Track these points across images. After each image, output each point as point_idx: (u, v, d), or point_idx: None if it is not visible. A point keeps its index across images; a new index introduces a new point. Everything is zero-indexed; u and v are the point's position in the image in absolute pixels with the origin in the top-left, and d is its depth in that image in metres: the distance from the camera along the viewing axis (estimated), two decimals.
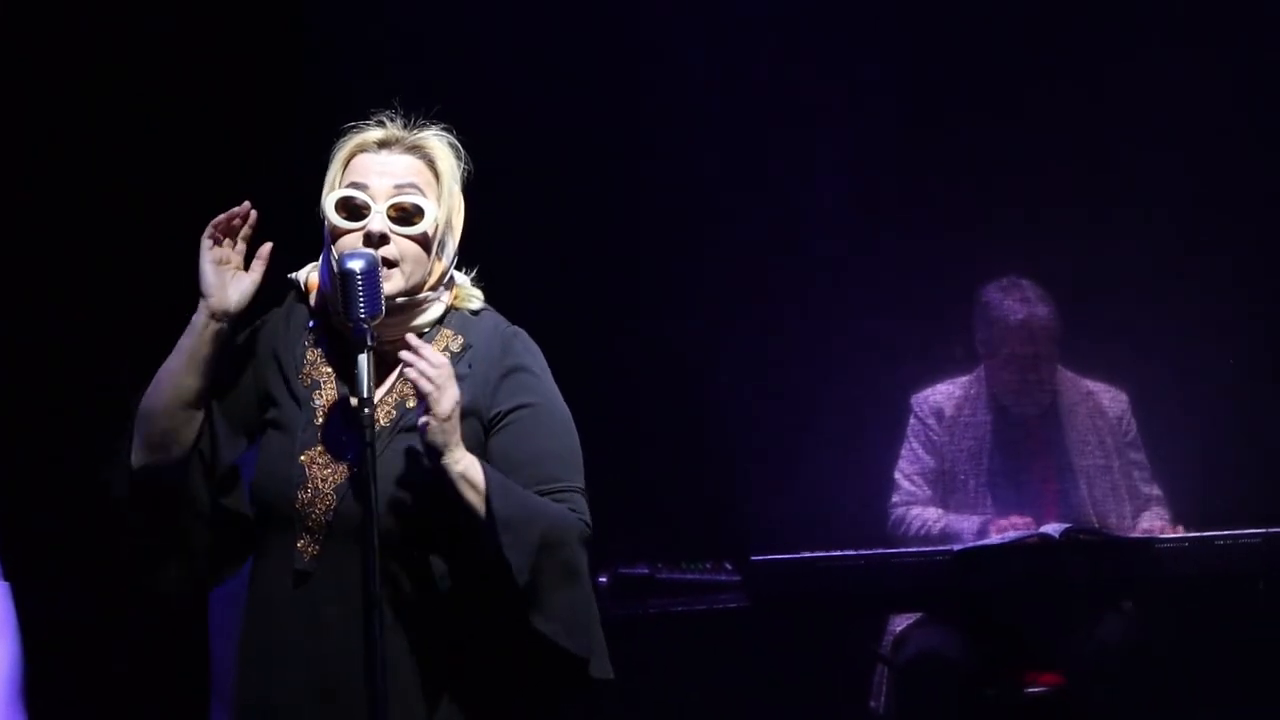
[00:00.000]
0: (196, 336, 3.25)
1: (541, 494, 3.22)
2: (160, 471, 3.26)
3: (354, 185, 3.29)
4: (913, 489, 5.92)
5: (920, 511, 5.86)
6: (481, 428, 3.27)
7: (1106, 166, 6.41)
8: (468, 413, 3.24)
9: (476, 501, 3.14)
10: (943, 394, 5.97)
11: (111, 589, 5.76)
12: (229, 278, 3.26)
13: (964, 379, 5.99)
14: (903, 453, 5.95)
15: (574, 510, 3.24)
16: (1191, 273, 6.29)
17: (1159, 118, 6.33)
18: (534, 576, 3.14)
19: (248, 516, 3.31)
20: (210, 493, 3.29)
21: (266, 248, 3.29)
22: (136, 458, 3.27)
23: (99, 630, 5.89)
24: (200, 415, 3.27)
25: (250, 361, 3.36)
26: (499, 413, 3.27)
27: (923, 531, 5.79)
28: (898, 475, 5.94)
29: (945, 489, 5.91)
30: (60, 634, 5.48)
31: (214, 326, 3.25)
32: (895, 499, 5.92)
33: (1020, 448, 5.92)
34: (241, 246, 3.28)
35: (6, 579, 4.14)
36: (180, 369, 3.25)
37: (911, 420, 5.97)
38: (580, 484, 3.28)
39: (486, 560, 3.14)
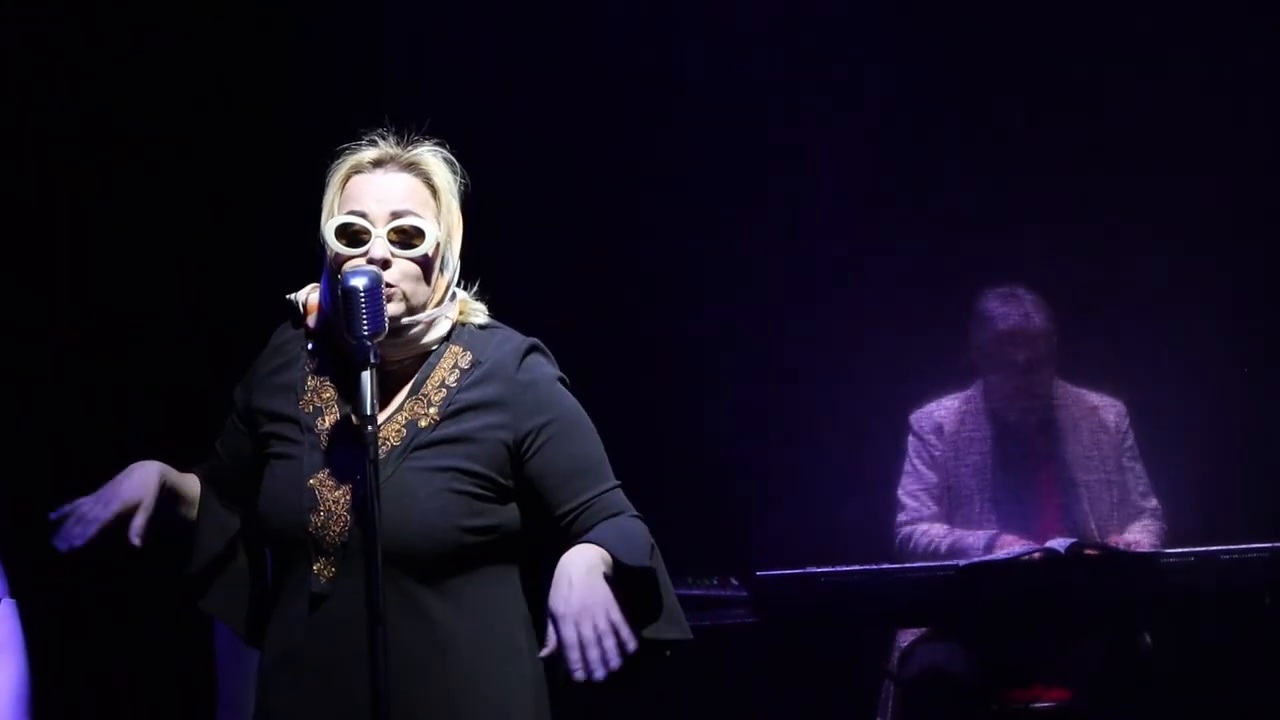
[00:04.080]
0: None
1: (593, 499, 3.26)
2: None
3: (352, 212, 3.29)
4: (918, 506, 5.91)
5: (927, 528, 5.85)
6: (508, 447, 3.28)
7: (1112, 179, 6.40)
8: (494, 429, 3.27)
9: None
10: (942, 410, 5.97)
11: (117, 604, 5.77)
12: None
13: (962, 394, 5.99)
14: (905, 471, 5.94)
15: (627, 510, 3.29)
16: (1197, 285, 6.29)
17: (1164, 129, 6.33)
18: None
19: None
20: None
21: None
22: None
23: (105, 646, 5.89)
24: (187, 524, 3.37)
25: (243, 421, 3.40)
26: (530, 431, 3.28)
27: (930, 548, 5.78)
28: (901, 494, 5.92)
29: (950, 505, 5.90)
30: (66, 650, 5.48)
31: None
32: (901, 518, 5.91)
33: (1021, 461, 5.91)
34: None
35: (11, 595, 4.14)
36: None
37: (911, 439, 5.96)
38: (616, 480, 3.32)
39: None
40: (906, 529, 5.88)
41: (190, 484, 3.37)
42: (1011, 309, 5.88)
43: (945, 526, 5.84)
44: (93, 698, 5.83)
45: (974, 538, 5.75)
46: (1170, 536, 5.77)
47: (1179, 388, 6.16)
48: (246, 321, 3.54)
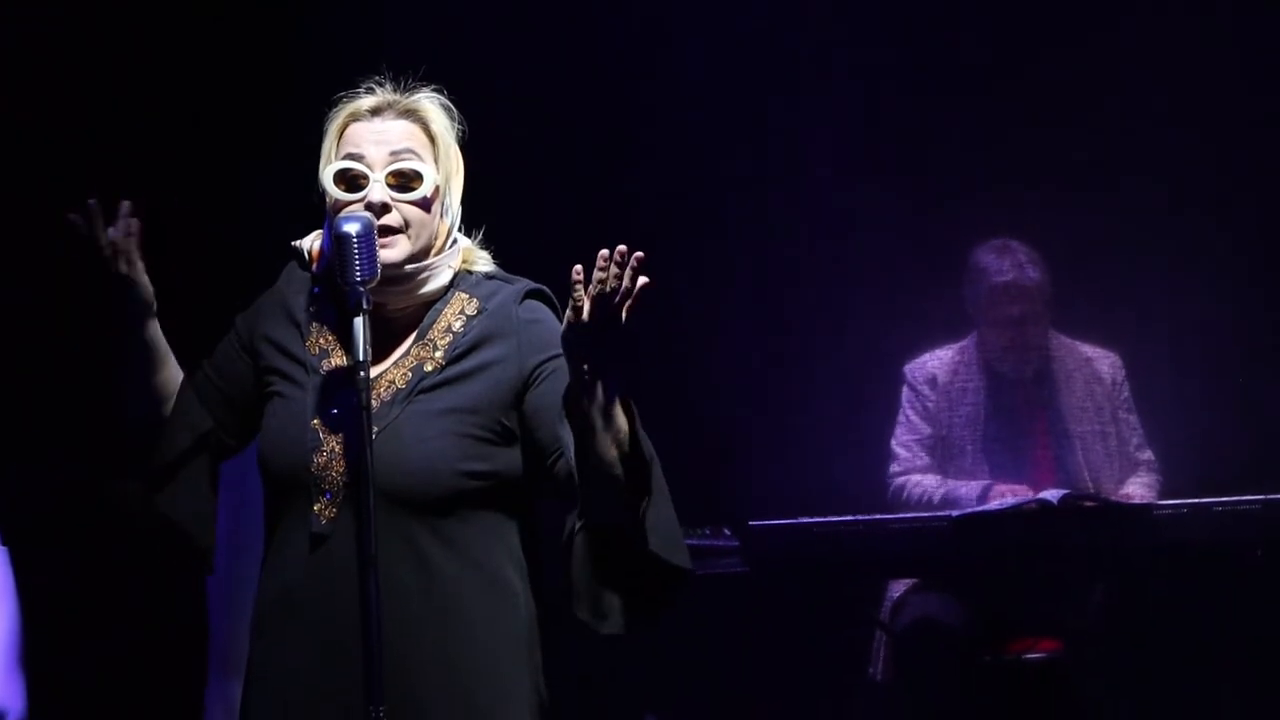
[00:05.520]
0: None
1: None
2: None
3: (350, 156, 3.28)
4: (910, 457, 5.92)
5: (920, 479, 5.86)
6: (513, 384, 3.27)
7: (1107, 133, 6.40)
8: (499, 367, 3.26)
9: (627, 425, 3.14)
10: (935, 361, 5.97)
11: (110, 554, 5.77)
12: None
13: (956, 345, 5.99)
14: (898, 422, 5.95)
15: None
16: (1191, 238, 6.28)
17: (1160, 83, 6.32)
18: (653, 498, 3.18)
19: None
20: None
21: (124, 207, 3.25)
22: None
23: (97, 595, 5.89)
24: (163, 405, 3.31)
25: (244, 346, 3.38)
26: (535, 365, 3.27)
27: (924, 499, 5.79)
28: (894, 445, 5.93)
29: (943, 456, 5.91)
30: (58, 599, 5.48)
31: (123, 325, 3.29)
32: (893, 468, 5.92)
33: (1015, 413, 5.92)
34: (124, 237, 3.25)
35: (4, 544, 4.14)
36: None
37: (905, 389, 5.97)
38: None
39: (612, 484, 3.14)
40: (899, 480, 5.89)
41: (171, 358, 3.33)
42: (1005, 262, 5.88)
43: (938, 477, 5.85)
44: (85, 647, 5.84)
45: (967, 488, 5.76)
46: (1165, 489, 5.77)
47: (1174, 341, 6.16)
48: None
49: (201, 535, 3.35)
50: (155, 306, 3.27)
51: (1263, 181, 6.34)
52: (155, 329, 3.29)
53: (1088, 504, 5.41)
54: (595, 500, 3.16)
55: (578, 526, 3.18)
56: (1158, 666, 5.53)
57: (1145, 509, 5.37)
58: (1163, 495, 5.73)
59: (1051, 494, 5.40)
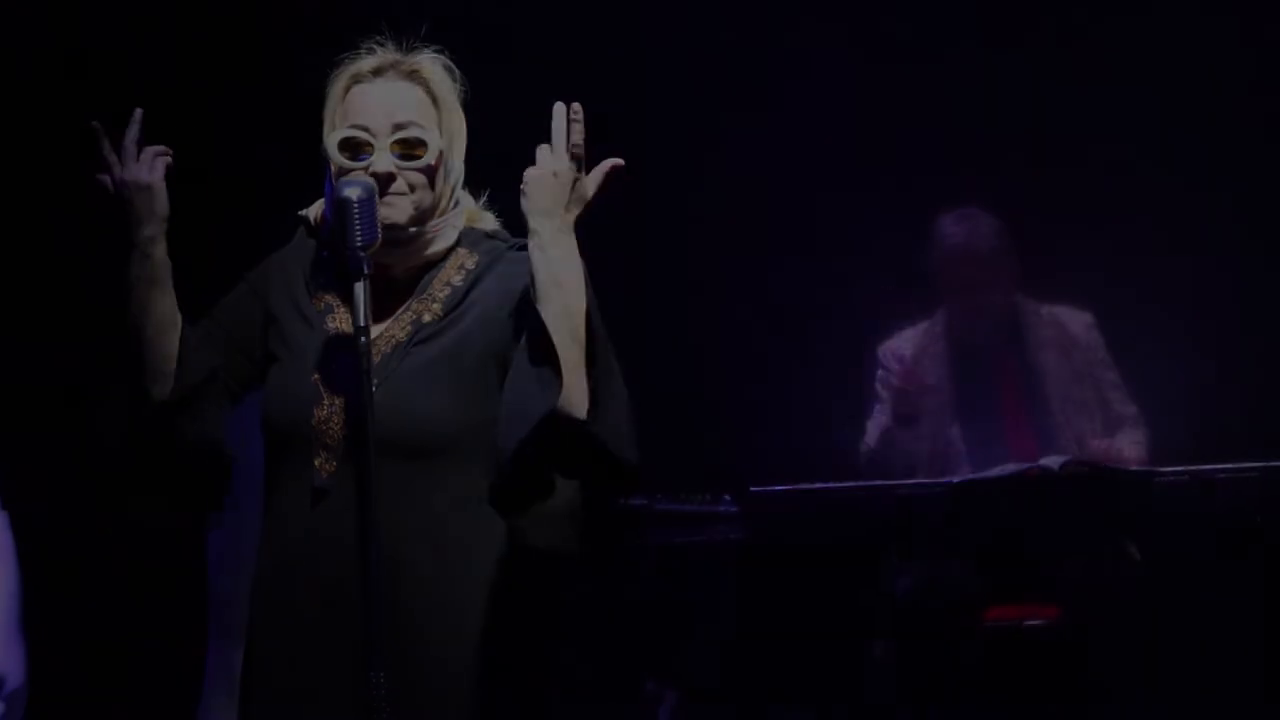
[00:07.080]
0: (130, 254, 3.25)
1: None
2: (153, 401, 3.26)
3: (354, 125, 3.29)
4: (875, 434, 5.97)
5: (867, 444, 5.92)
6: (506, 315, 3.27)
7: (1093, 88, 6.39)
8: (495, 305, 3.27)
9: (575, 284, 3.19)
10: (904, 338, 6.00)
11: (110, 518, 5.78)
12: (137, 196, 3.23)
13: (926, 320, 6.00)
14: (875, 401, 5.99)
15: None
16: (1184, 198, 6.27)
17: (1137, 40, 6.31)
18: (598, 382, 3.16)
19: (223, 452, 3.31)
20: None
21: (137, 114, 3.24)
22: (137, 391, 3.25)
23: (98, 560, 5.89)
24: (172, 332, 3.25)
25: (257, 293, 3.38)
26: (524, 289, 3.26)
27: (864, 453, 5.85)
28: (868, 422, 5.96)
29: (917, 430, 5.92)
30: (59, 563, 5.49)
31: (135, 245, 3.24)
32: (863, 442, 5.96)
33: (987, 383, 5.93)
34: (139, 153, 3.23)
35: (4, 507, 4.14)
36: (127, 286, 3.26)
37: (878, 370, 5.99)
38: None
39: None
40: (862, 451, 5.94)
41: (170, 284, 3.28)
42: (961, 229, 5.90)
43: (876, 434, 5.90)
44: (85, 610, 5.85)
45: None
46: (1160, 454, 5.77)
47: (1167, 304, 6.14)
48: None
49: (221, 460, 3.31)
50: (167, 223, 3.25)
51: (1256, 130, 6.32)
52: (164, 247, 3.26)
53: (1088, 470, 5.41)
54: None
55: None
56: (1157, 633, 5.53)
57: (1145, 475, 5.37)
58: (1156, 454, 5.73)
59: (1052, 460, 5.40)
